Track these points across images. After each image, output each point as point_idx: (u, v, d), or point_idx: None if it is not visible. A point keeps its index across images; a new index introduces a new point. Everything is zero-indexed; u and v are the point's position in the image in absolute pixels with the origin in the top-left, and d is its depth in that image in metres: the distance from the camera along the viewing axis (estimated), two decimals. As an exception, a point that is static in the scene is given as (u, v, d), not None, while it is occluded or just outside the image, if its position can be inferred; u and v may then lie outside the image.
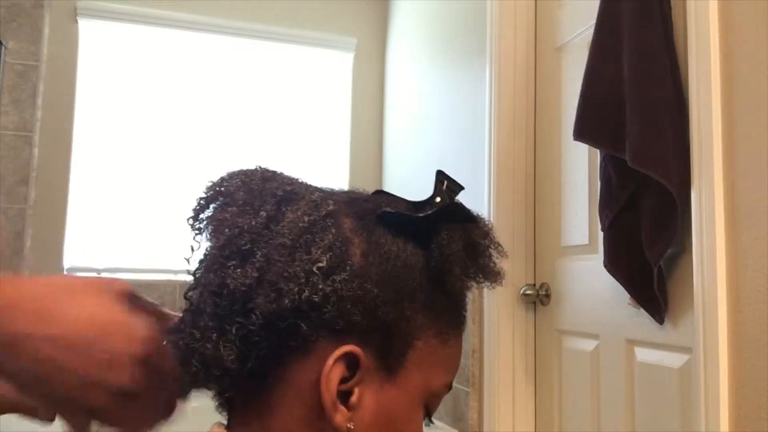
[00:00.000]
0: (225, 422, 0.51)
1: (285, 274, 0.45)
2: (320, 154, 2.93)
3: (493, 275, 0.51)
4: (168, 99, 2.72)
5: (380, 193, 0.53)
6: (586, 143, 1.51)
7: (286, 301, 0.45)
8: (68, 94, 2.58)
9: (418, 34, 2.70)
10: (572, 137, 1.47)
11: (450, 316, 0.51)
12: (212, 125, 2.77)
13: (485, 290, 1.92)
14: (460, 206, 0.50)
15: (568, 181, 1.74)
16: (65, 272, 2.52)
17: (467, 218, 0.50)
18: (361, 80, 3.04)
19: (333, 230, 0.47)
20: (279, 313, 0.45)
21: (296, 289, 0.45)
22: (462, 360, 2.13)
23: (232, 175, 0.51)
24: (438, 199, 0.50)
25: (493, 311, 1.87)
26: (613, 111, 1.36)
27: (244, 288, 0.45)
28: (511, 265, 1.87)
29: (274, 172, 0.52)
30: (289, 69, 2.92)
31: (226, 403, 0.51)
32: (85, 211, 2.58)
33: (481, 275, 0.50)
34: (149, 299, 0.53)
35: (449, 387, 0.52)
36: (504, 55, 1.94)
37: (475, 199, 1.98)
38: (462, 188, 0.51)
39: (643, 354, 1.44)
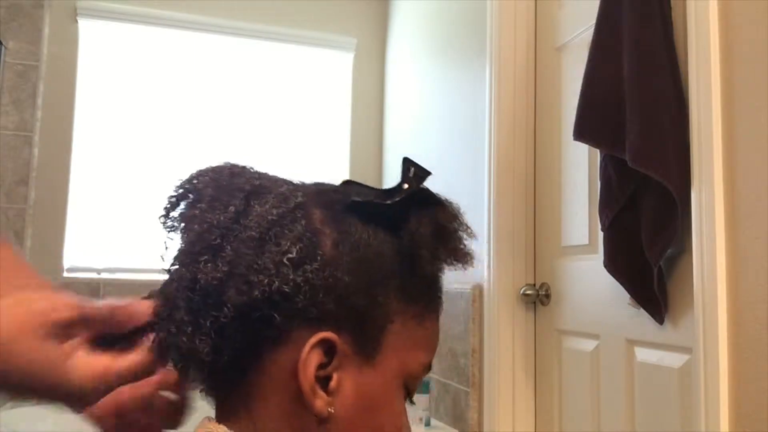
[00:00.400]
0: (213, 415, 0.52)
1: (255, 266, 0.46)
2: (320, 154, 2.93)
3: (463, 257, 0.51)
4: (168, 99, 2.72)
5: (349, 183, 0.54)
6: (586, 143, 1.51)
7: (257, 292, 0.46)
8: (68, 94, 2.58)
9: (418, 34, 2.70)
10: (572, 137, 1.47)
11: (425, 300, 0.52)
12: (212, 125, 2.77)
13: (486, 290, 1.92)
14: (427, 191, 0.51)
15: (568, 181, 1.74)
16: (65, 272, 2.52)
17: (435, 203, 0.51)
18: (361, 80, 3.04)
19: (303, 222, 0.48)
20: (250, 304, 0.46)
21: (266, 280, 0.46)
22: (462, 360, 2.11)
23: (200, 173, 0.52)
24: (406, 186, 0.50)
25: (493, 311, 1.87)
26: (613, 111, 1.36)
27: (215, 282, 0.46)
28: (511, 265, 1.88)
29: (243, 168, 0.53)
30: (289, 69, 2.92)
31: (210, 393, 0.52)
32: (85, 211, 2.58)
33: (451, 257, 0.51)
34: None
35: (428, 368, 0.53)
36: (504, 55, 1.94)
37: (475, 199, 1.98)
38: (429, 173, 0.51)
39: (643, 354, 1.44)
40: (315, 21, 2.97)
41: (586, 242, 1.64)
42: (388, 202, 0.50)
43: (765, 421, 1.04)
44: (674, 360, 1.34)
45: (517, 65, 1.94)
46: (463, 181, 2.11)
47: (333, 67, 3.00)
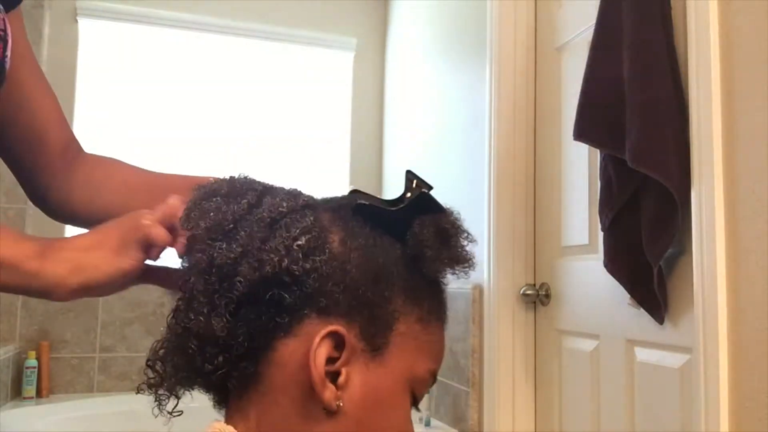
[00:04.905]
0: (222, 419, 0.52)
1: (266, 247, 0.49)
2: (320, 154, 2.93)
3: (464, 260, 0.54)
4: (168, 99, 2.72)
5: (356, 192, 0.56)
6: (586, 143, 1.51)
7: (268, 268, 0.48)
8: (68, 94, 2.58)
9: (418, 34, 2.70)
10: (572, 137, 1.47)
11: (430, 304, 0.54)
12: (212, 125, 2.77)
13: (486, 290, 1.92)
14: (429, 197, 0.53)
15: (568, 181, 1.74)
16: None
17: (437, 209, 0.53)
18: (361, 80, 3.04)
19: (310, 218, 0.51)
20: (262, 280, 0.48)
21: (276, 258, 0.48)
22: (462, 360, 2.11)
23: (216, 179, 0.56)
24: (409, 195, 0.53)
25: (493, 311, 1.87)
26: (613, 111, 1.36)
27: (229, 261, 0.49)
28: (511, 265, 1.87)
29: (254, 179, 0.57)
30: (289, 69, 2.92)
31: (223, 399, 0.53)
32: (85, 211, 2.57)
33: (453, 260, 0.53)
34: None
35: (434, 376, 0.55)
36: (504, 55, 1.94)
37: (476, 199, 1.98)
38: (431, 187, 0.54)
39: (643, 354, 1.44)
40: (315, 21, 2.97)
41: (586, 242, 1.64)
42: (394, 208, 0.52)
43: (765, 421, 1.04)
44: (674, 360, 1.34)
45: (517, 65, 1.94)
46: (463, 182, 2.11)
47: (333, 67, 3.00)
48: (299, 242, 0.49)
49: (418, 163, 2.59)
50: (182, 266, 0.53)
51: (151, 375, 0.51)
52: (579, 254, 1.69)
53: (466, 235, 0.54)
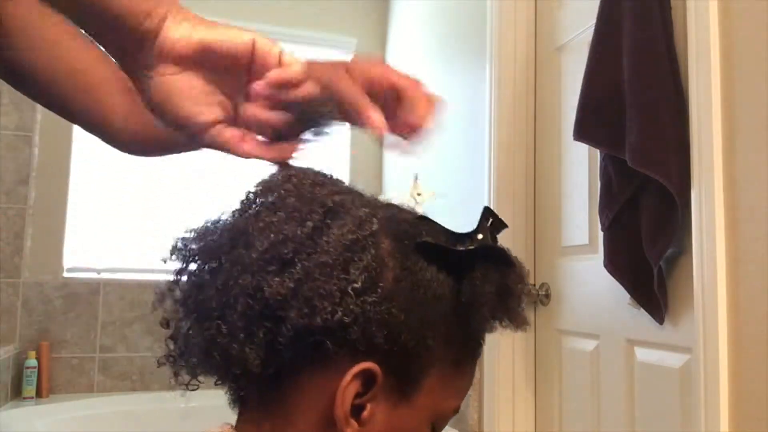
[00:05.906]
0: (233, 422, 0.52)
1: (321, 291, 0.46)
2: (320, 154, 2.92)
3: (519, 321, 0.51)
4: (168, 99, 2.72)
5: (423, 219, 0.53)
6: (586, 143, 1.51)
7: (318, 319, 0.45)
8: (68, 94, 2.58)
9: (418, 34, 2.70)
10: (572, 137, 1.47)
11: (469, 349, 0.52)
12: (212, 125, 2.77)
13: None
14: (502, 253, 0.50)
15: (568, 181, 1.74)
16: (65, 272, 2.52)
17: (505, 262, 0.50)
18: (361, 80, 3.03)
19: (372, 251, 0.47)
20: (309, 329, 0.45)
21: (330, 308, 0.45)
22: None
23: (284, 179, 0.52)
24: (480, 236, 0.50)
25: (493, 311, 1.87)
26: (613, 111, 1.36)
27: (279, 297, 0.45)
28: (511, 265, 1.87)
29: (324, 176, 0.54)
30: (289, 69, 2.91)
31: (239, 400, 0.52)
32: (85, 211, 2.58)
33: (507, 319, 0.51)
34: None
35: (457, 410, 0.53)
36: (504, 55, 1.94)
37: (476, 199, 1.98)
38: (506, 226, 0.51)
39: (643, 354, 1.44)
40: (315, 21, 2.97)
41: (586, 242, 1.64)
42: (460, 248, 0.49)
43: (765, 421, 1.04)
44: (674, 360, 1.34)
45: (517, 65, 1.94)
46: (463, 181, 2.11)
47: (333, 67, 3.00)
48: (355, 285, 0.46)
49: (417, 164, 2.58)
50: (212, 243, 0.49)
51: (172, 348, 0.50)
52: (579, 254, 1.69)
53: (528, 293, 0.51)
